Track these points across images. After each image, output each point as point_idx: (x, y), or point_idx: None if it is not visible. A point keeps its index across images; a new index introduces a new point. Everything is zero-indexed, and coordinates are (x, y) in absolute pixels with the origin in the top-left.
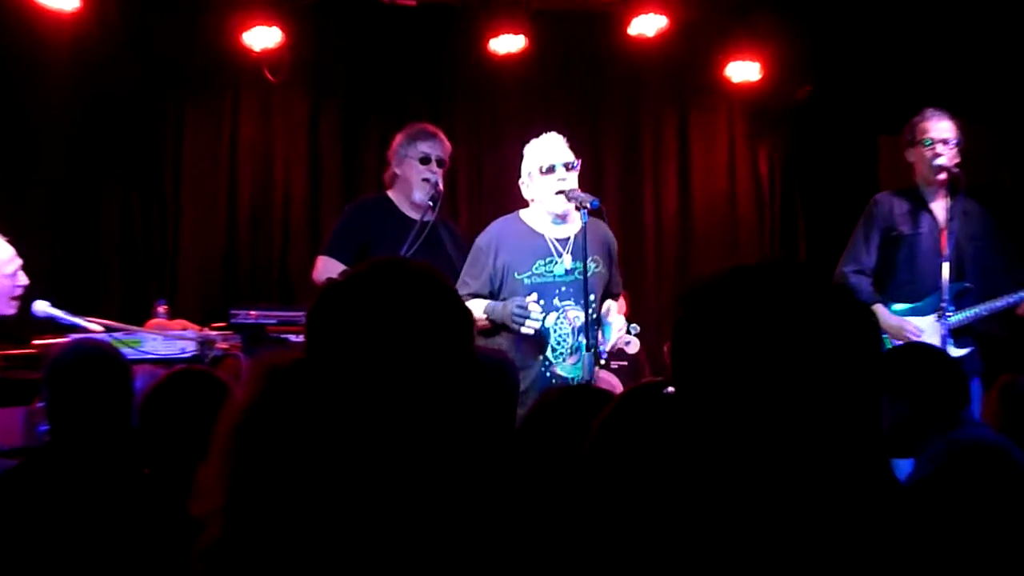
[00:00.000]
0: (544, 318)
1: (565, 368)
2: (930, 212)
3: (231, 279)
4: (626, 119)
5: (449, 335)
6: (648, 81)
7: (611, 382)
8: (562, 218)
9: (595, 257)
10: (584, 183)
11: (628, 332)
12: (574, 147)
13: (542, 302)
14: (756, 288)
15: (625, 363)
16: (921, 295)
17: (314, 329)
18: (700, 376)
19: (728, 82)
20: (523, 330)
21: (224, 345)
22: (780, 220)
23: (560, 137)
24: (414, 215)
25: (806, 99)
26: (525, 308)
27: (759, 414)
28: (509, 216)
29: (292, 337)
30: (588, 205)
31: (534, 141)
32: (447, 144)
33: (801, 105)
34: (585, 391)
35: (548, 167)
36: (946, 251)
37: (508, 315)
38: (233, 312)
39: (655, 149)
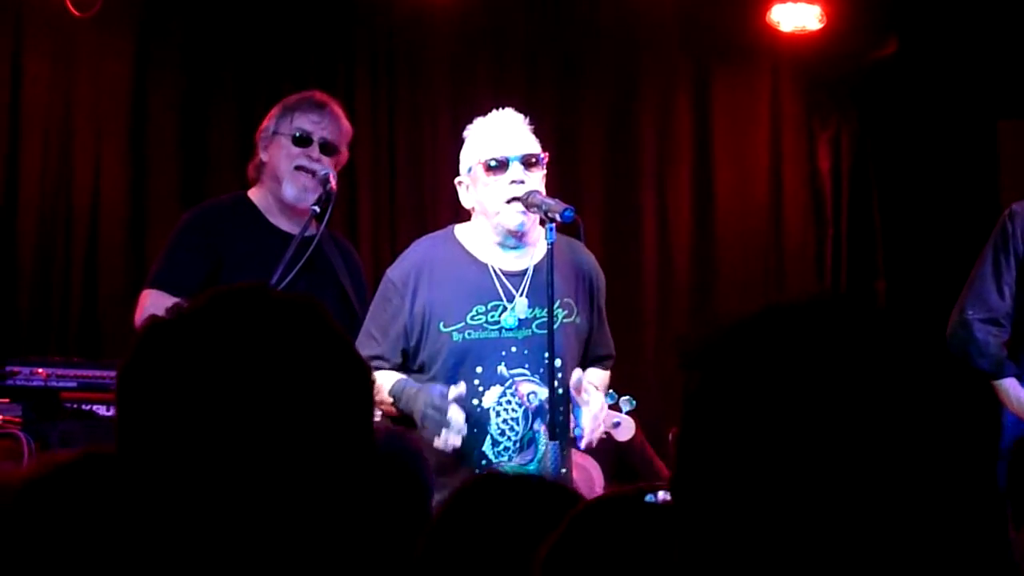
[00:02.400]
0: (482, 398)
1: (513, 469)
2: None
3: (7, 320)
4: (617, 88)
5: (337, 405)
6: (652, 31)
7: (589, 470)
8: (519, 239)
9: (566, 299)
10: (553, 187)
11: (618, 408)
12: (539, 132)
13: (484, 387)
14: (804, 339)
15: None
16: None
17: (127, 396)
18: (717, 478)
19: (773, 32)
20: (437, 443)
21: None
22: (848, 243)
23: (517, 116)
24: (288, 227)
25: (889, 60)
26: (443, 411)
27: (808, 545)
28: (438, 234)
29: (101, 409)
30: (557, 217)
31: (478, 122)
32: (344, 123)
33: (882, 69)
34: (529, 486)
35: (498, 162)
36: None
37: (419, 413)
38: (10, 370)
39: (660, 134)
